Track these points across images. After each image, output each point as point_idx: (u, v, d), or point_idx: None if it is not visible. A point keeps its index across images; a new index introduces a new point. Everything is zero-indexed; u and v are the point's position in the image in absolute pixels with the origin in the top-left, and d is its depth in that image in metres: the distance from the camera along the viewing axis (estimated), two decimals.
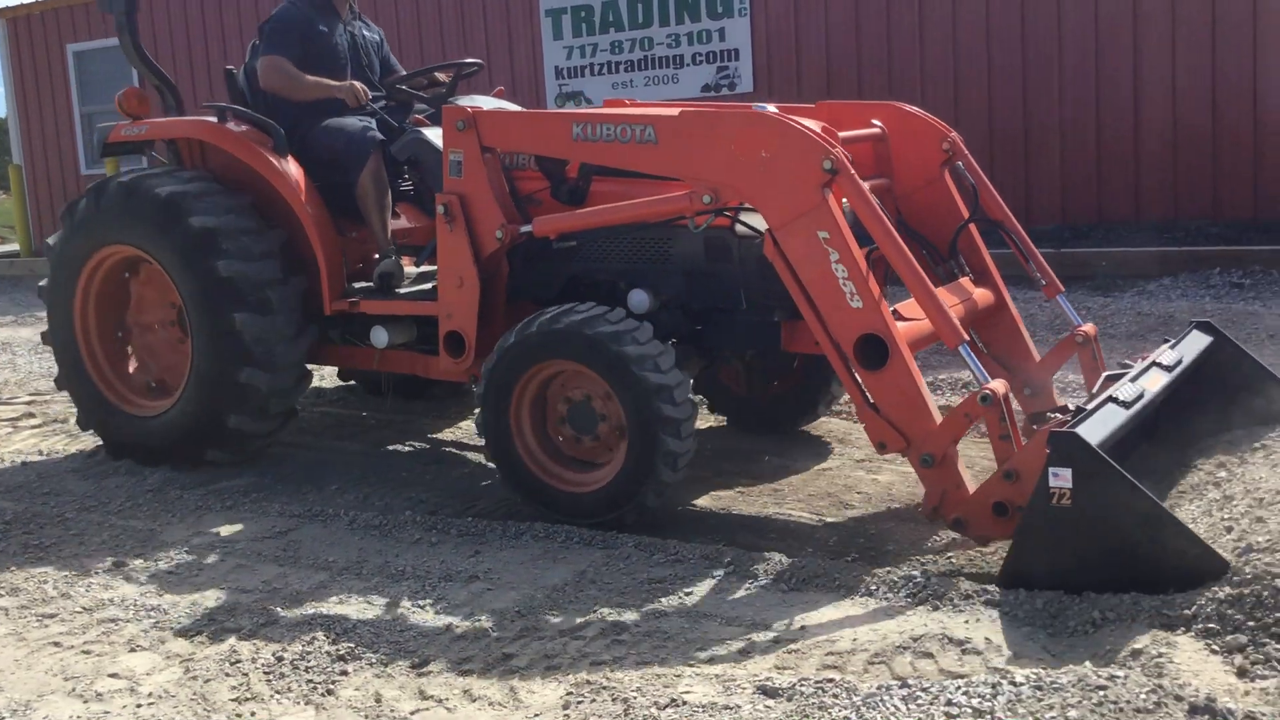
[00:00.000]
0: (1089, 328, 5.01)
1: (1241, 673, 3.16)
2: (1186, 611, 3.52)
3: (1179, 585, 3.54)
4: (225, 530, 5.07)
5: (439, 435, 6.57)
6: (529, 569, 4.39)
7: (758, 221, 4.71)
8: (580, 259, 5.18)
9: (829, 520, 4.88)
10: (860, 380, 4.30)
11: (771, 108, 4.82)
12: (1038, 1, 10.84)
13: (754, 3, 12.01)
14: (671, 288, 4.99)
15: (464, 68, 6.02)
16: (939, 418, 4.23)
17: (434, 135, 5.50)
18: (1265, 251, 9.07)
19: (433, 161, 5.41)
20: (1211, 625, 3.42)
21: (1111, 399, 4.12)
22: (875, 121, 5.23)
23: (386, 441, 6.54)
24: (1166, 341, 4.82)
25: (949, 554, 4.42)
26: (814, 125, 4.50)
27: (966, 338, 4.26)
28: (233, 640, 3.93)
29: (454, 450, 6.29)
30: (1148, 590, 3.56)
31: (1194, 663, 3.23)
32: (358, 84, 5.75)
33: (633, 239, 5.03)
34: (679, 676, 3.43)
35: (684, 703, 3.24)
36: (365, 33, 6.21)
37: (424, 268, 5.92)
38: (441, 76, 6.02)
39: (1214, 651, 3.29)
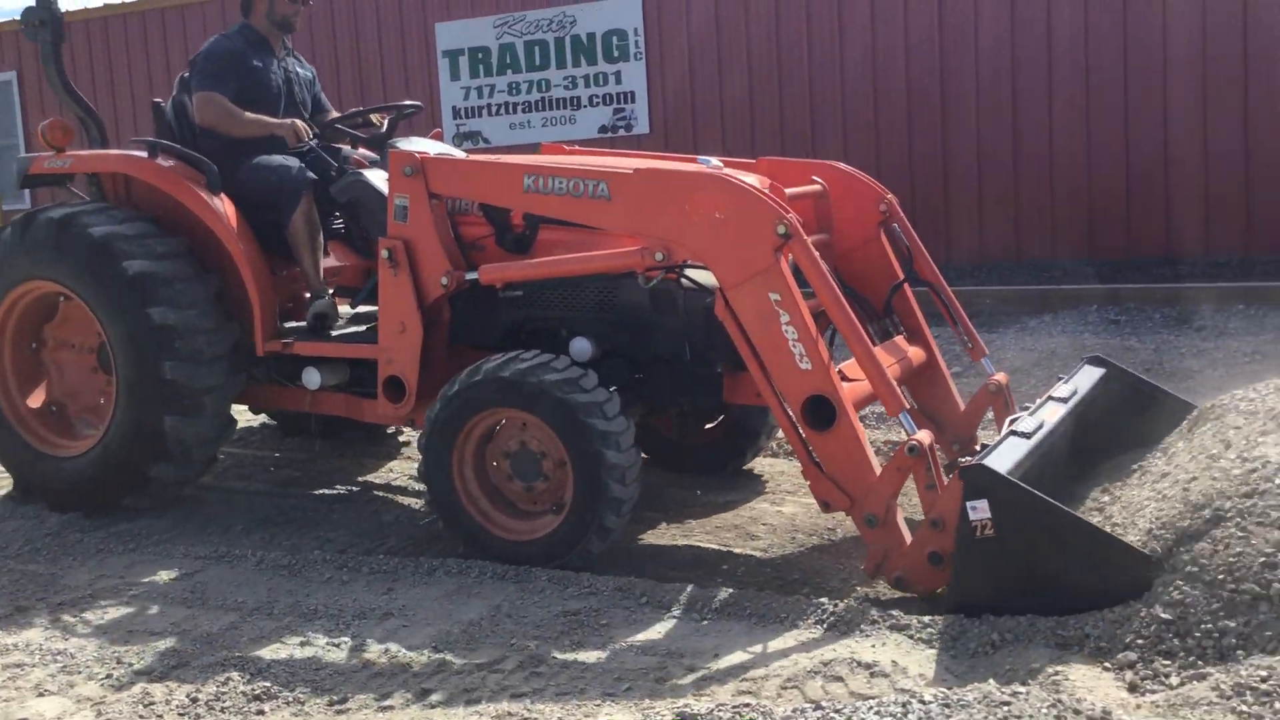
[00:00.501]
0: (1001, 377, 5.23)
1: (1133, 688, 3.35)
2: (1079, 632, 3.72)
3: (1118, 593, 3.68)
4: (129, 574, 4.99)
5: (344, 475, 6.54)
6: (444, 605, 4.42)
7: (705, 277, 4.81)
8: (523, 306, 5.21)
9: (736, 551, 5.00)
10: (806, 439, 4.39)
11: (716, 161, 4.97)
12: (920, 53, 11.25)
13: (649, 47, 12.25)
14: (615, 337, 5.04)
15: (403, 109, 6.04)
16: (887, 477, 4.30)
17: (374, 177, 5.51)
18: (1138, 290, 9.53)
19: (373, 204, 5.40)
20: (1102, 644, 3.62)
21: (1013, 432, 4.32)
22: (816, 179, 5.40)
23: (291, 482, 6.49)
24: (1060, 378, 5.07)
25: (854, 582, 4.58)
26: (762, 187, 4.62)
27: (907, 405, 4.37)
28: (144, 683, 3.89)
29: (359, 490, 6.28)
30: (1095, 605, 3.70)
31: (1088, 680, 3.42)
32: (299, 122, 5.72)
33: (578, 288, 5.07)
34: (599, 706, 3.50)
35: None
36: (299, 69, 6.19)
37: (360, 309, 5.89)
38: (375, 119, 6.03)
39: (1106, 669, 3.49)
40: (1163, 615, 3.52)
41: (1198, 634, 3.39)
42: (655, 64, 12.28)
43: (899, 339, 5.25)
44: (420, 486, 6.20)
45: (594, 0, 12.44)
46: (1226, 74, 10.24)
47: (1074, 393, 4.86)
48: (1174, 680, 3.27)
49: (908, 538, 4.22)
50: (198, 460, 5.71)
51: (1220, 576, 3.47)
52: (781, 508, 5.50)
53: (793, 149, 11.31)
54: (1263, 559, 3.41)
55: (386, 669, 3.89)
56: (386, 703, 3.67)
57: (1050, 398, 4.76)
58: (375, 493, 6.21)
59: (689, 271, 4.84)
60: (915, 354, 5.22)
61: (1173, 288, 9.41)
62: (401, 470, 6.57)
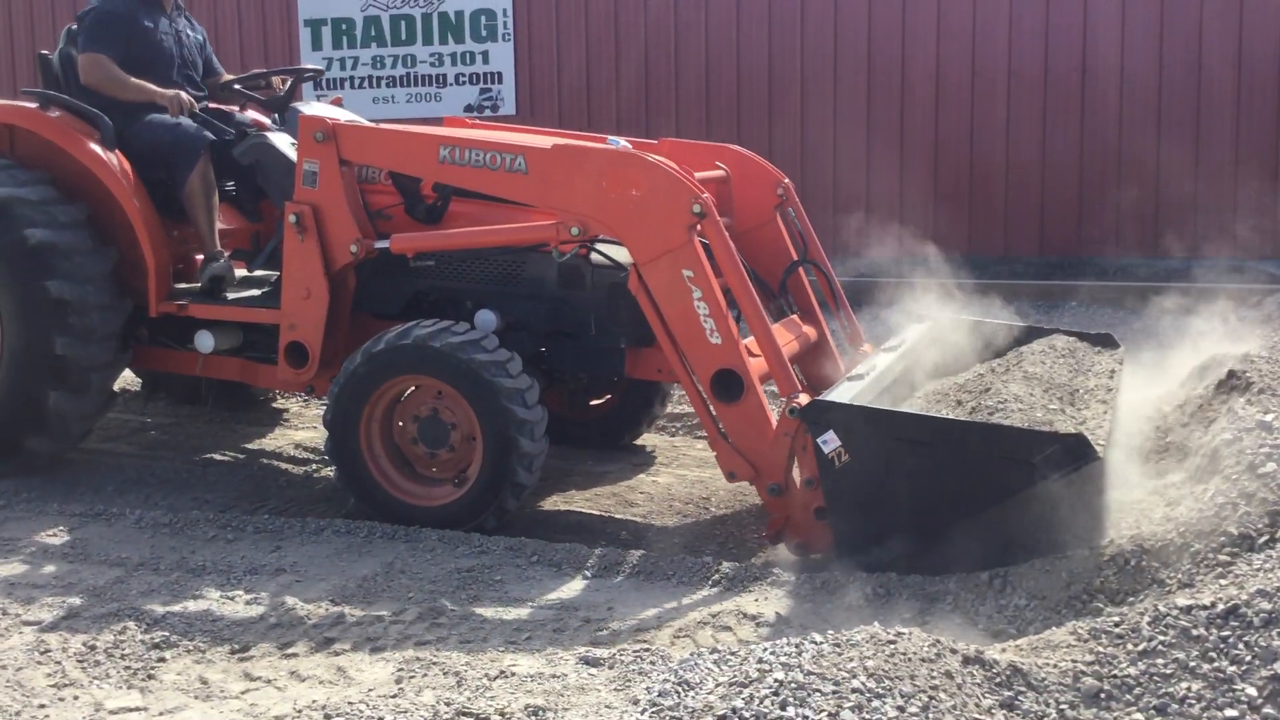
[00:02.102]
0: (867, 347, 5.53)
1: (995, 635, 3.68)
2: (943, 588, 4.05)
3: (985, 490, 3.93)
4: (3, 530, 4.89)
5: (215, 440, 6.49)
6: (335, 562, 4.49)
7: (613, 253, 4.95)
8: (429, 276, 5.27)
9: (617, 517, 5.19)
10: (714, 412, 4.57)
11: (624, 142, 5.11)
12: (781, 32, 11.61)
13: (517, 28, 12.31)
14: (520, 310, 5.14)
15: (303, 73, 6.00)
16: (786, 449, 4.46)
17: (279, 140, 5.47)
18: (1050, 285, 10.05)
19: (278, 168, 5.37)
20: (965, 596, 3.95)
21: (846, 378, 4.66)
22: (720, 164, 5.60)
23: (159, 445, 6.41)
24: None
25: (731, 545, 4.83)
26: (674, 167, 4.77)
27: (800, 387, 4.57)
28: (34, 632, 3.86)
29: (233, 454, 6.24)
30: (964, 506, 3.95)
31: (955, 628, 3.73)
32: (183, 94, 5.62)
33: (486, 260, 5.16)
34: (503, 653, 3.65)
35: (513, 674, 3.46)
36: (189, 31, 6.08)
37: (257, 272, 5.84)
38: (276, 81, 5.97)
39: (970, 619, 3.82)
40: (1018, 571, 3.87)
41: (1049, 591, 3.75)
42: (523, 45, 12.35)
43: (794, 318, 5.51)
44: (297, 452, 6.23)
45: None
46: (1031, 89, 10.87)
47: (901, 343, 5.20)
48: (1035, 627, 3.60)
49: (807, 512, 4.39)
50: (75, 434, 5.62)
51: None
52: (657, 478, 5.71)
53: (658, 132, 11.54)
54: None
55: (285, 620, 3.96)
56: (290, 650, 3.74)
57: (880, 350, 5.11)
58: (249, 457, 6.19)
59: (601, 246, 4.99)
60: (809, 332, 5.48)
61: (1012, 284, 9.98)
62: (278, 437, 6.55)
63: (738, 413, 4.50)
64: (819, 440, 4.11)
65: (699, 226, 4.55)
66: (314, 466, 6.00)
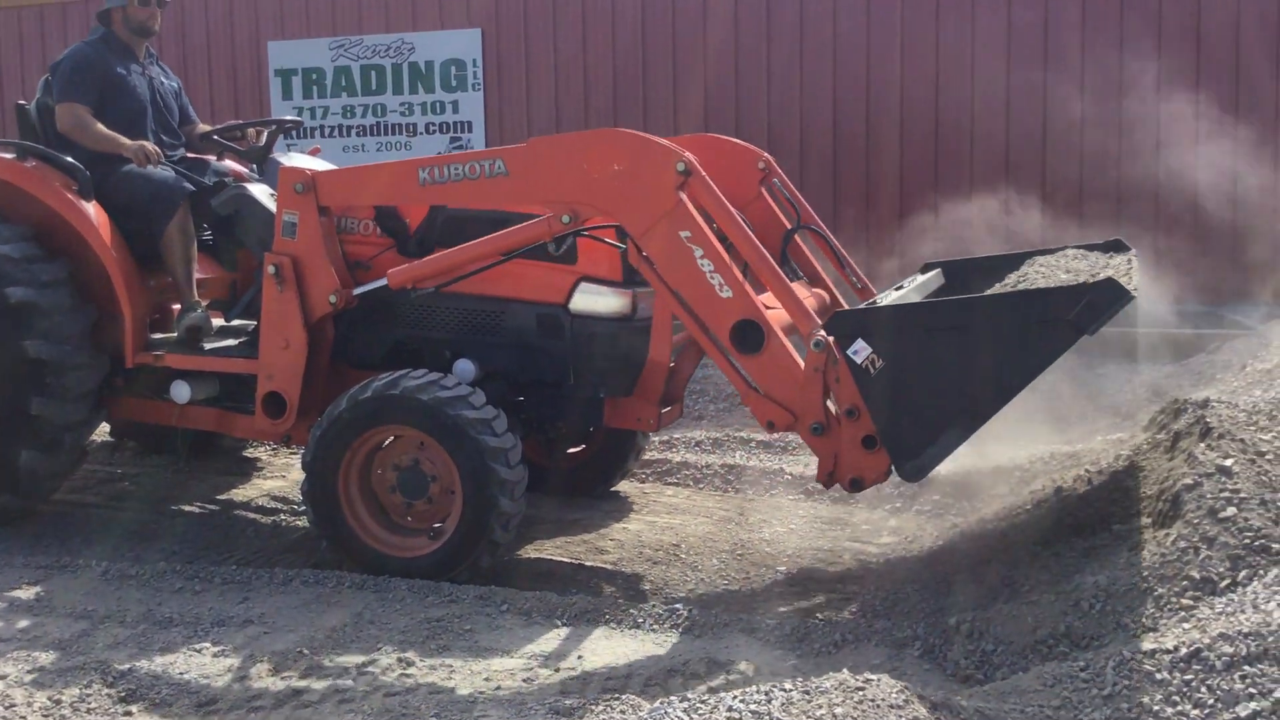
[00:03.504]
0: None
1: (963, 680, 3.71)
2: (911, 633, 4.08)
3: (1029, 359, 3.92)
4: None
5: (183, 491, 6.44)
6: (304, 613, 4.47)
7: (593, 303, 4.97)
8: (408, 325, 5.27)
9: (587, 564, 5.19)
10: (740, 366, 4.52)
11: None
12: (748, 80, 11.77)
13: (487, 78, 12.42)
14: (499, 359, 5.14)
15: (284, 124, 6.03)
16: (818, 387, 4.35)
17: (258, 191, 5.48)
18: None
19: (257, 219, 5.39)
20: (933, 642, 3.98)
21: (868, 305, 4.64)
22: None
23: (125, 495, 6.37)
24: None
25: (700, 592, 4.84)
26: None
27: (819, 323, 4.51)
28: (0, 687, 3.82)
29: (200, 505, 6.21)
30: (1022, 379, 3.94)
31: (923, 674, 3.77)
32: (148, 145, 5.60)
33: (465, 310, 5.17)
34: (473, 703, 3.64)
35: None
36: (164, 79, 6.11)
37: (234, 322, 5.82)
38: (252, 133, 6.00)
39: (938, 665, 3.85)
40: (984, 617, 3.91)
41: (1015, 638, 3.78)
42: (493, 95, 12.45)
43: (799, 285, 5.46)
44: (266, 502, 6.20)
45: (433, 30, 12.54)
46: None
47: (912, 281, 5.23)
48: (1002, 672, 3.63)
49: (853, 444, 4.31)
50: (44, 491, 5.60)
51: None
52: (628, 525, 5.71)
53: None
54: None
55: (253, 672, 3.93)
56: (257, 703, 3.72)
57: (890, 290, 5.11)
58: (218, 507, 6.16)
59: (580, 298, 4.98)
60: (818, 295, 5.48)
61: None
62: (247, 487, 6.52)
63: (763, 361, 4.44)
64: (849, 352, 4.08)
65: (686, 185, 4.53)
66: (283, 517, 5.98)
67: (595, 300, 4.98)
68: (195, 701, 3.73)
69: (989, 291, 4.45)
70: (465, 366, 5.08)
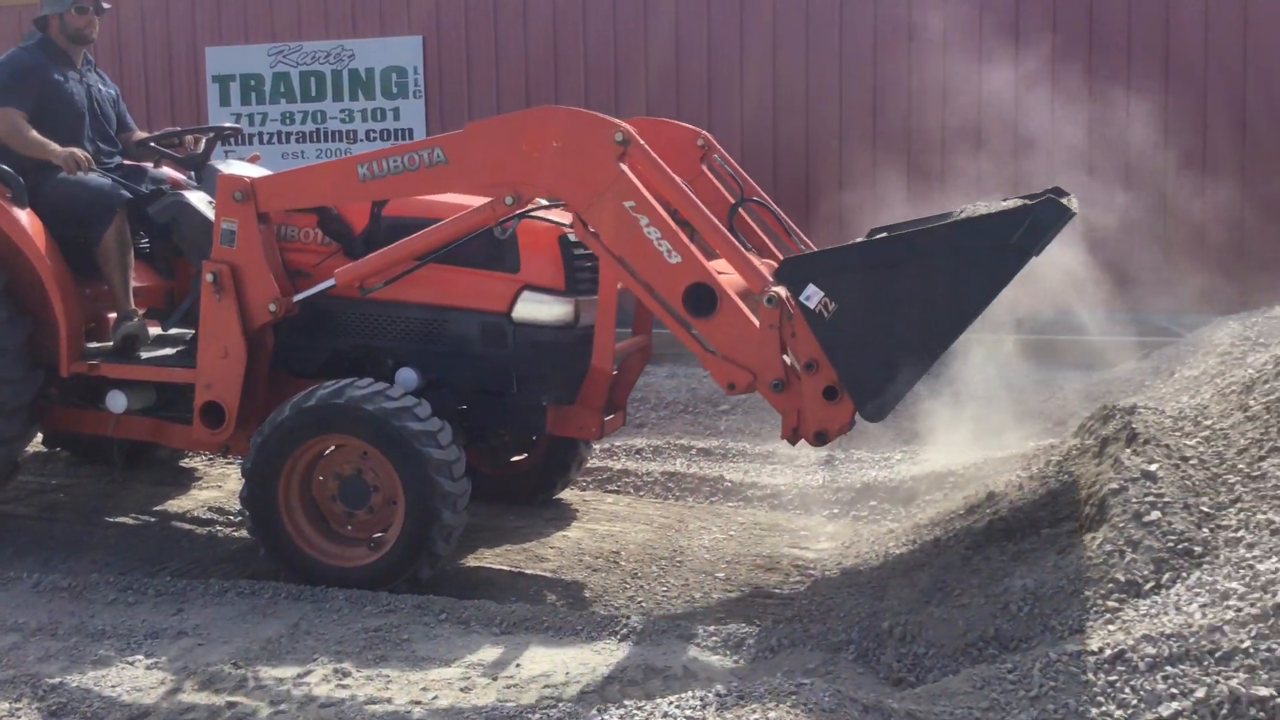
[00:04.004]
0: None
1: (895, 683, 3.76)
2: (847, 638, 4.14)
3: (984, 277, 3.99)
4: None
5: (116, 502, 6.36)
6: (239, 624, 4.44)
7: (536, 311, 4.96)
8: (350, 334, 5.24)
9: (527, 572, 5.20)
10: (695, 330, 4.50)
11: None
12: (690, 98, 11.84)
13: (428, 85, 12.38)
14: (442, 368, 5.12)
15: (222, 131, 5.97)
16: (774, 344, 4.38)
17: (196, 199, 5.43)
18: None
19: (195, 227, 5.33)
20: (866, 645, 4.04)
21: None
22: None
23: (58, 507, 6.28)
24: None
25: (640, 599, 4.86)
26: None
27: (770, 281, 4.52)
28: None
29: (135, 516, 6.13)
30: (975, 306, 4.00)
31: (856, 677, 3.82)
32: (79, 152, 5.51)
33: (407, 318, 5.15)
34: (409, 712, 3.64)
35: None
36: (101, 86, 6.03)
37: (172, 331, 5.74)
38: (190, 140, 5.94)
39: (871, 668, 3.90)
40: (915, 619, 3.97)
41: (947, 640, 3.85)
42: (434, 102, 12.41)
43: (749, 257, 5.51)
44: (202, 513, 6.14)
45: (374, 36, 12.49)
46: None
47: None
48: (933, 675, 3.69)
49: (809, 396, 4.35)
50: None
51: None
52: (568, 533, 5.73)
53: None
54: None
55: (186, 685, 3.90)
56: (190, 716, 3.69)
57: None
58: (152, 519, 6.09)
59: (524, 305, 4.98)
60: (768, 266, 5.50)
61: None
62: (182, 497, 6.45)
63: (718, 323, 4.43)
64: (802, 298, 4.11)
65: (626, 156, 4.52)
66: (219, 528, 5.92)
67: (538, 308, 4.99)
68: (127, 715, 3.69)
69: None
70: (408, 375, 5.06)
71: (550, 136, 4.57)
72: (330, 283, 5.01)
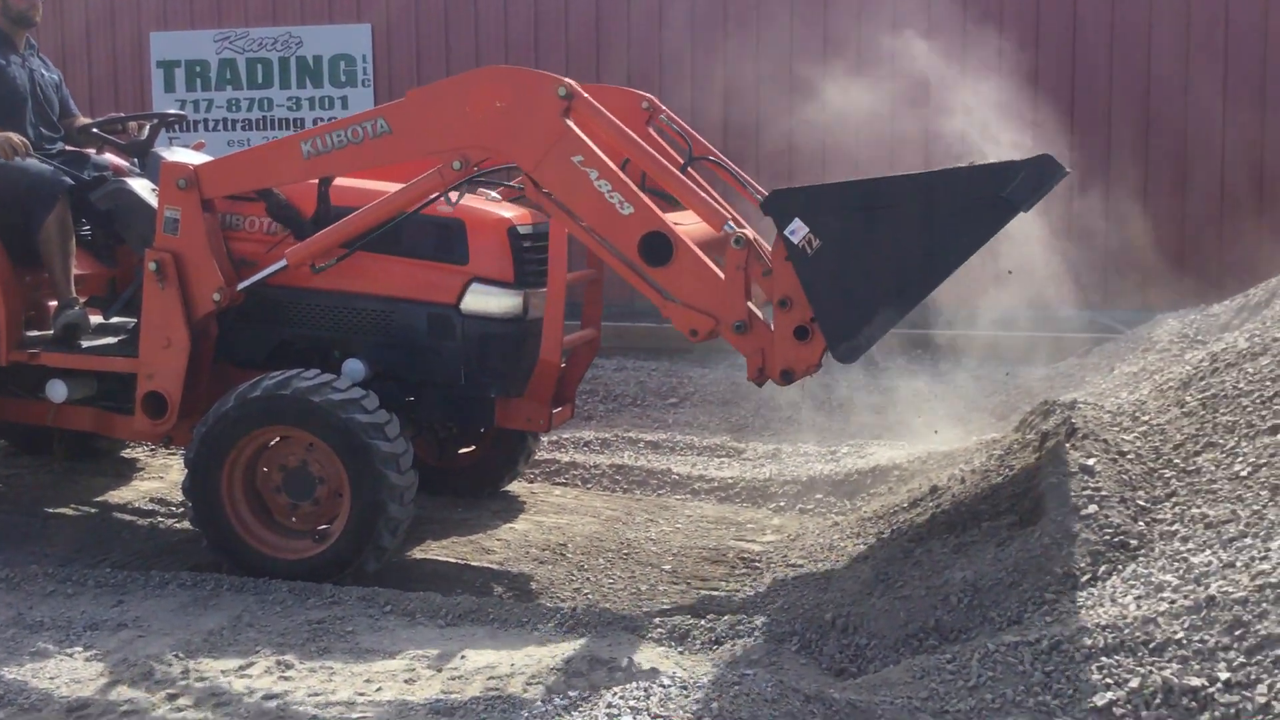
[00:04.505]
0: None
1: (838, 674, 3.81)
2: (791, 629, 4.17)
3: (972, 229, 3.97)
4: None
5: (56, 493, 6.27)
6: (180, 616, 4.39)
7: (484, 303, 4.94)
8: (296, 324, 5.18)
9: (473, 564, 5.19)
10: (653, 280, 4.47)
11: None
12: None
13: (377, 74, 12.29)
14: (389, 359, 5.08)
15: (166, 117, 5.89)
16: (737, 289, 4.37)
17: (139, 186, 5.35)
18: None
19: (138, 214, 5.25)
20: (810, 637, 4.08)
21: None
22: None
23: None
24: None
25: (586, 591, 4.87)
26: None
27: (728, 216, 4.52)
28: None
29: (74, 507, 6.05)
30: (958, 257, 3.98)
31: (800, 668, 3.85)
32: (14, 137, 5.41)
33: (355, 309, 5.10)
34: (352, 705, 3.62)
35: None
36: (44, 71, 5.93)
37: (113, 320, 5.65)
38: (134, 126, 5.85)
39: (814, 659, 3.94)
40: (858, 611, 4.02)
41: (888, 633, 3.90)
42: (384, 91, 12.32)
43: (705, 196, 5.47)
44: (143, 504, 6.08)
45: (322, 24, 12.37)
46: None
47: None
48: (874, 665, 3.73)
49: (777, 340, 4.33)
50: None
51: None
52: (515, 525, 5.73)
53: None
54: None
55: (126, 676, 3.85)
56: (129, 708, 3.65)
57: None
58: (93, 509, 6.01)
59: (471, 299, 4.96)
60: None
61: None
62: (123, 488, 6.37)
63: (675, 271, 4.40)
64: (786, 232, 4.07)
65: (571, 110, 4.49)
66: (160, 519, 5.86)
67: (487, 301, 4.98)
68: (65, 707, 3.65)
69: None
70: (355, 366, 5.03)
71: (493, 96, 4.52)
72: (282, 264, 4.94)
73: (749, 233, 4.38)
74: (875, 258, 4.09)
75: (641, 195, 4.45)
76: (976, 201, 3.99)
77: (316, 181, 5.08)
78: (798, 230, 4.08)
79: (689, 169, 5.52)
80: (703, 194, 4.63)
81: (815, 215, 4.09)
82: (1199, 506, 3.83)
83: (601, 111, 4.60)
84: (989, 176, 4.00)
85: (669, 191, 4.64)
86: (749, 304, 4.37)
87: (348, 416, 4.62)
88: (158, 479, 6.50)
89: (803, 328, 4.27)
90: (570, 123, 4.47)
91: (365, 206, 4.84)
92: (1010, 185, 3.93)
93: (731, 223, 4.54)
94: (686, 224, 4.68)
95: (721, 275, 4.39)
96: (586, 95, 4.54)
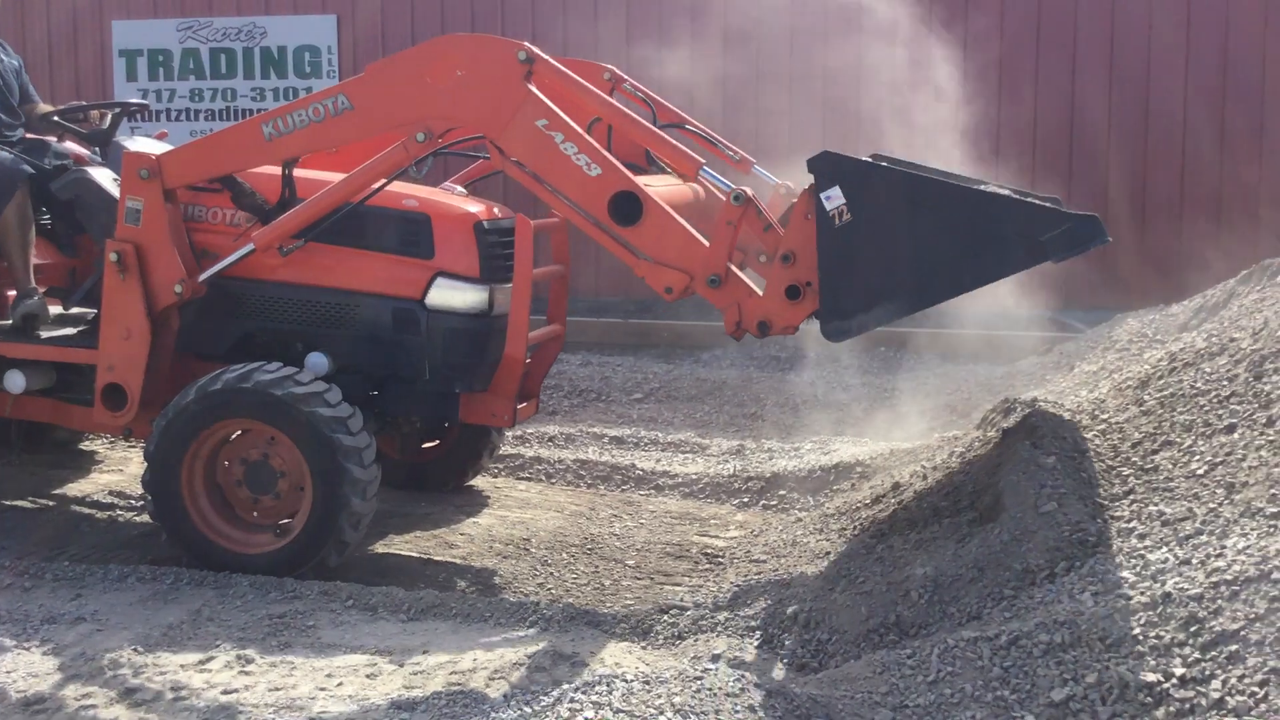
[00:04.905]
0: (790, 182, 5.43)
1: (799, 669, 3.83)
2: (753, 624, 4.19)
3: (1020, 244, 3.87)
4: None
5: (12, 486, 6.20)
6: (140, 610, 4.36)
7: (449, 298, 4.91)
8: (258, 317, 5.13)
9: (437, 559, 5.18)
10: (625, 240, 4.46)
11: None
12: None
13: (343, 65, 12.21)
14: (353, 353, 5.05)
15: (128, 107, 5.81)
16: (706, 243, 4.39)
17: (100, 176, 5.29)
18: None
19: (99, 204, 5.19)
20: (772, 632, 4.10)
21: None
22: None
23: None
24: None
25: (550, 586, 4.87)
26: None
27: (702, 161, 4.50)
28: None
29: (31, 500, 5.98)
30: (976, 279, 3.94)
31: (761, 663, 3.87)
32: None
33: (318, 302, 5.06)
34: (313, 699, 3.61)
35: None
36: (3, 57, 5.85)
37: (73, 310, 5.58)
38: (96, 114, 5.78)
39: (776, 653, 3.96)
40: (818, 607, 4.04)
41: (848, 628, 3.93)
42: None
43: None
44: (102, 497, 6.02)
45: (287, 15, 12.28)
46: None
47: None
48: (835, 660, 3.76)
49: (754, 287, 4.34)
50: None
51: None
52: (478, 520, 5.71)
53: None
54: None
55: (85, 671, 3.83)
56: (88, 702, 3.62)
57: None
58: (51, 502, 5.94)
59: (435, 293, 4.93)
60: (691, 189, 5.46)
61: None
62: (82, 481, 6.30)
63: (646, 229, 4.38)
64: (823, 195, 4.00)
65: (532, 74, 4.46)
66: (120, 512, 5.80)
67: (452, 295, 4.96)
68: (21, 702, 3.61)
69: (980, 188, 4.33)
70: (318, 360, 5.00)
71: (453, 65, 4.49)
72: (249, 248, 4.89)
73: (749, 191, 4.32)
74: (900, 252, 4.03)
75: (608, 156, 4.43)
76: (1017, 236, 3.93)
77: (281, 167, 5.04)
78: (834, 198, 3.99)
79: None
80: (673, 141, 4.60)
81: (859, 191, 4.00)
82: (1156, 504, 3.87)
83: (564, 72, 4.57)
84: (1037, 218, 3.92)
85: (639, 142, 4.63)
86: (729, 259, 4.33)
87: (310, 410, 4.60)
88: (117, 471, 6.44)
89: (797, 288, 4.24)
90: (532, 87, 4.44)
91: (330, 185, 4.80)
92: (1051, 234, 3.86)
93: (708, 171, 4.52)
94: (656, 185, 4.67)
95: (692, 231, 4.37)
96: (547, 58, 4.52)
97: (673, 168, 4.76)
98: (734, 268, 4.39)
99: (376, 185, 4.83)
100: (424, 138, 4.60)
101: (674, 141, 4.63)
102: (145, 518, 5.43)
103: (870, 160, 4.14)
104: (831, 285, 4.13)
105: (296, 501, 4.76)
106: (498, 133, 4.50)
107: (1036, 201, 4.05)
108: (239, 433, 4.80)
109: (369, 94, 4.64)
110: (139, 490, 5.95)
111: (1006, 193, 4.11)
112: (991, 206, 4.01)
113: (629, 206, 4.40)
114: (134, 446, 6.72)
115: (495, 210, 5.16)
